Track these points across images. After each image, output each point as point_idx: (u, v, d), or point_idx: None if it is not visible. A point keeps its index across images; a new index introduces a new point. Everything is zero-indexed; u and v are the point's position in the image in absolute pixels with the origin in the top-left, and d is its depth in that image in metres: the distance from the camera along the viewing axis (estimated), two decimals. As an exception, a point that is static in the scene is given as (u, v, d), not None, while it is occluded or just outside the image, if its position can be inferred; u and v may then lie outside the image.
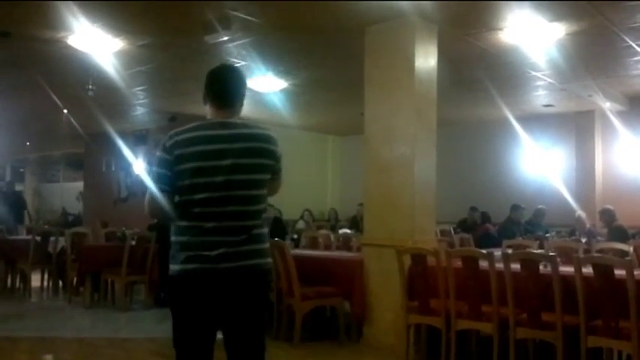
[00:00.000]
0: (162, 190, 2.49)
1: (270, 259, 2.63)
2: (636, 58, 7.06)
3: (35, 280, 8.81)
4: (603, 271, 4.02)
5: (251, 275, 2.53)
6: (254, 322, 2.56)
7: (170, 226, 2.59)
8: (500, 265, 4.50)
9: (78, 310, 7.53)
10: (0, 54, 7.05)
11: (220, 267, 2.45)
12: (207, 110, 2.69)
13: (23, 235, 10.11)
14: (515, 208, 9.11)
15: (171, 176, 2.48)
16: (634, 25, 5.83)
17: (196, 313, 2.50)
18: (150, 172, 2.55)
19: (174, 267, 2.52)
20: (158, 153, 2.52)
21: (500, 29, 6.00)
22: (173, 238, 2.55)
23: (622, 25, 5.85)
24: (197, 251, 2.46)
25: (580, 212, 8.66)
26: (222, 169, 2.47)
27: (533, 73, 7.76)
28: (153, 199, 2.51)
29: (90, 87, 8.04)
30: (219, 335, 2.56)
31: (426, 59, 5.68)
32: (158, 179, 2.51)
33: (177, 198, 2.52)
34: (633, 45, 6.48)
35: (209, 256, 2.44)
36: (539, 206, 9.32)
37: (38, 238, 8.62)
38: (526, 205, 9.27)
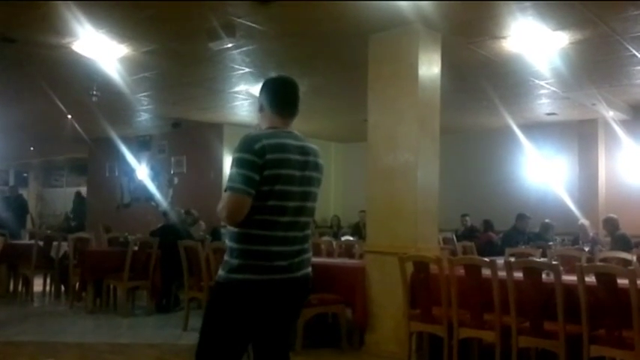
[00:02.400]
0: (250, 195, 2.40)
1: None
2: (640, 67, 7.07)
3: (37, 284, 8.81)
4: (606, 280, 4.01)
5: (308, 282, 2.65)
6: (294, 324, 2.73)
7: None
8: (502, 274, 4.50)
9: (80, 315, 7.52)
10: (5, 59, 7.08)
11: (294, 276, 2.52)
12: (264, 117, 2.66)
13: (26, 240, 10.12)
14: (521, 217, 9.04)
15: (257, 181, 2.41)
16: (638, 34, 5.84)
17: (256, 321, 2.51)
18: (233, 174, 2.42)
19: (241, 276, 2.45)
20: (242, 155, 2.42)
21: (504, 38, 6.01)
22: (239, 246, 2.48)
23: (625, 34, 5.85)
24: (272, 261, 2.46)
25: (583, 220, 8.64)
26: (304, 179, 2.53)
27: (537, 82, 7.76)
28: (241, 203, 2.40)
29: (94, 92, 8.08)
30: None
31: (430, 67, 5.69)
32: (246, 182, 2.39)
33: (254, 203, 2.42)
34: (637, 54, 6.48)
35: (283, 266, 2.48)
36: (546, 220, 9.17)
37: (41, 243, 8.62)
38: (529, 214, 9.25)
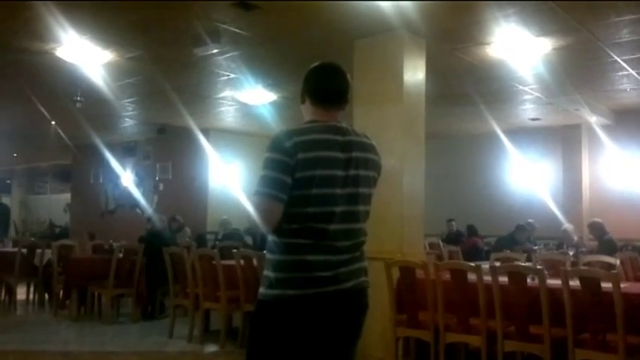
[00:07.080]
0: (279, 200, 2.11)
1: None
2: (622, 73, 7.15)
3: (21, 293, 8.71)
4: (590, 284, 4.04)
5: (363, 294, 2.30)
6: (356, 345, 2.32)
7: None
8: (488, 278, 4.52)
9: (64, 323, 7.44)
10: (-12, 65, 7.04)
11: (342, 288, 2.18)
12: (305, 110, 2.39)
13: (9, 248, 10.01)
14: (520, 228, 8.71)
15: (289, 184, 2.12)
16: (619, 40, 5.91)
17: (304, 345, 2.16)
18: (261, 176, 2.15)
19: (279, 292, 2.15)
20: (272, 155, 2.15)
21: (488, 44, 6.06)
22: (276, 257, 2.19)
23: (607, 40, 5.92)
24: (313, 272, 2.14)
25: (567, 225, 8.70)
26: (348, 180, 2.21)
27: (521, 87, 7.83)
28: (269, 208, 2.11)
29: (78, 98, 8.02)
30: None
31: (415, 73, 5.72)
32: (275, 186, 2.11)
33: (289, 209, 2.13)
34: (619, 60, 6.56)
35: (328, 277, 2.15)
36: (521, 223, 9.04)
37: (24, 251, 8.52)
38: (514, 218, 9.26)
